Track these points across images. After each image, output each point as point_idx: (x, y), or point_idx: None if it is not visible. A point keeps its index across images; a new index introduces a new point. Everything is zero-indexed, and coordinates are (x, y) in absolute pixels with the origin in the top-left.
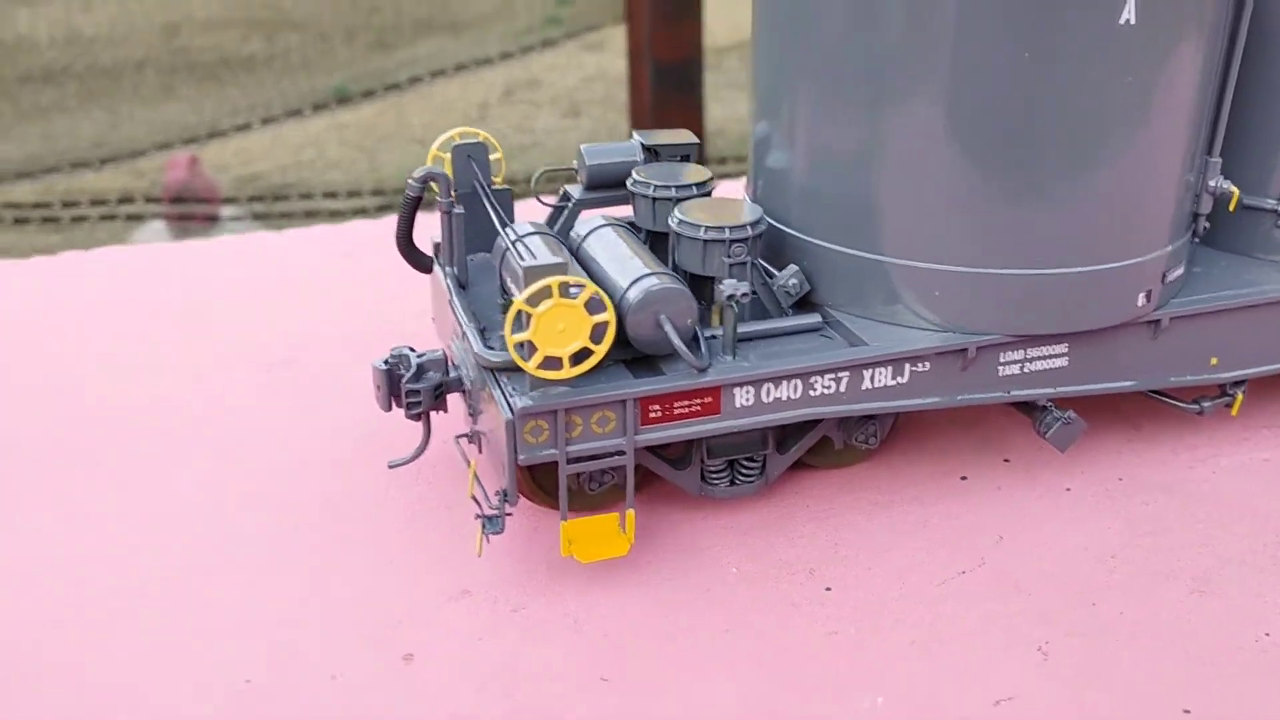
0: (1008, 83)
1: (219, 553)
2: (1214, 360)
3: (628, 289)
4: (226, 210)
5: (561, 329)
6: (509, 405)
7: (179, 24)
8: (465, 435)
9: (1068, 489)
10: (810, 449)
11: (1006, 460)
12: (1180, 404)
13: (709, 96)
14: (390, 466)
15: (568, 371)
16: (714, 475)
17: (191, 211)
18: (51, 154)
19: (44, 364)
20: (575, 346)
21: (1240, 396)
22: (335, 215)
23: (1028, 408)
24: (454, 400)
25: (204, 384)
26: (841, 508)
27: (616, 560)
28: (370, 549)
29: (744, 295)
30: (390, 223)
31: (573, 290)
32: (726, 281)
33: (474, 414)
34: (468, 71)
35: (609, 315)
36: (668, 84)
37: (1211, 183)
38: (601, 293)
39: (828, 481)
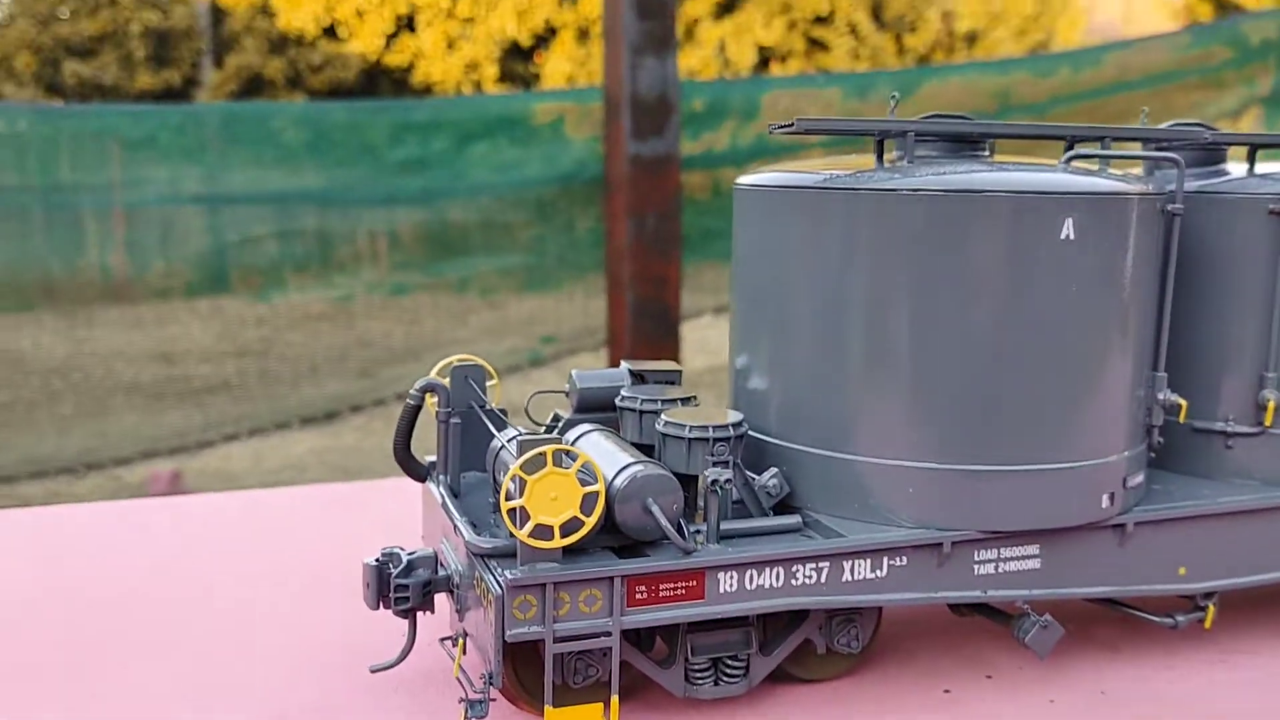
0: (966, 297)
1: None
2: (1182, 570)
3: (615, 476)
4: None
5: (554, 497)
6: (498, 582)
7: (174, 353)
8: (450, 638)
9: (1051, 700)
10: (794, 658)
11: (989, 676)
12: (1154, 618)
13: None
14: (372, 671)
15: (558, 541)
16: (698, 675)
17: None
18: (33, 462)
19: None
20: (566, 515)
21: (1212, 609)
22: None
23: (1006, 618)
24: (441, 606)
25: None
26: (825, 716)
27: None
28: None
29: (727, 481)
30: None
31: (566, 460)
32: (710, 469)
33: (461, 611)
34: None
35: (599, 486)
36: None
37: (1160, 395)
38: (594, 463)
39: (812, 692)
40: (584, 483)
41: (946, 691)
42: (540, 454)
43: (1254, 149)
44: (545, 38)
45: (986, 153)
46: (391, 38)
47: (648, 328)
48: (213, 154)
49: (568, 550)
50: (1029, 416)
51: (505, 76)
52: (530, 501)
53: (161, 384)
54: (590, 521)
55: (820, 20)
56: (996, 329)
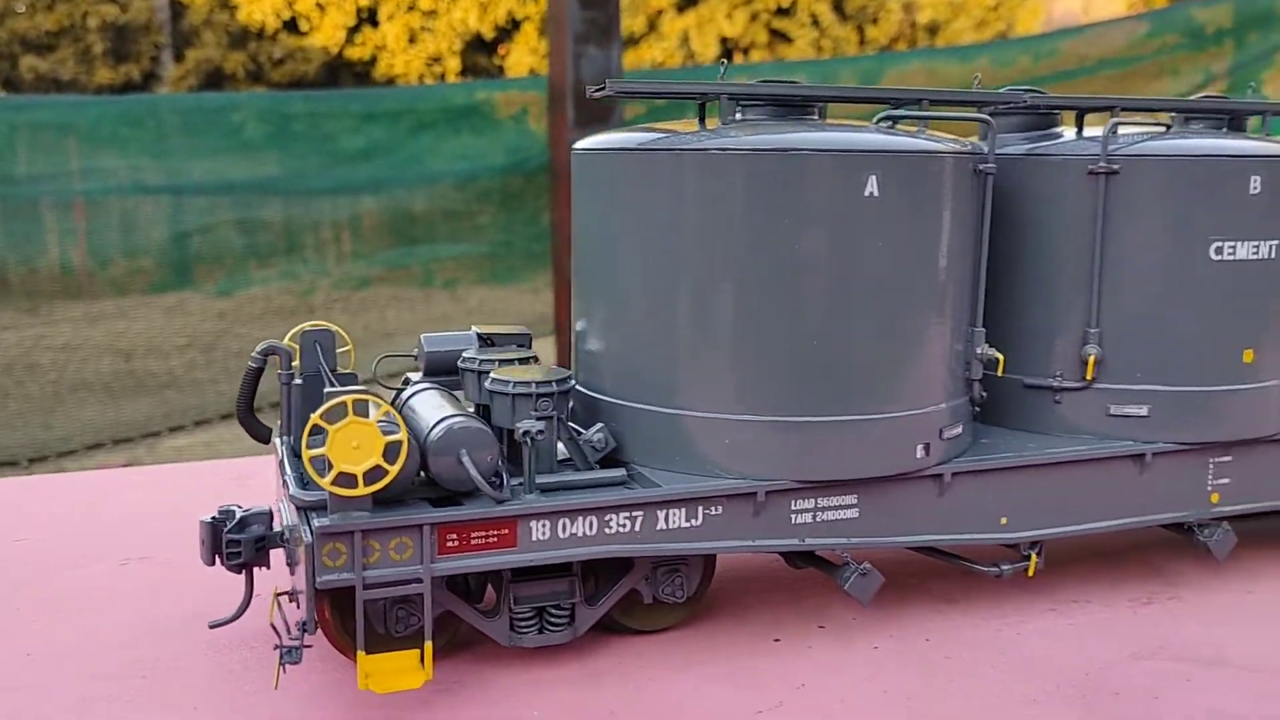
0: (776, 254)
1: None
2: (1004, 520)
3: (433, 427)
4: None
5: (355, 446)
6: (309, 530)
7: (132, 349)
8: (287, 593)
9: (875, 647)
10: (623, 609)
11: (821, 626)
12: (980, 567)
13: None
14: (211, 626)
15: (362, 489)
16: (522, 624)
17: None
18: None
19: None
20: (369, 464)
21: (1035, 558)
22: None
23: (831, 567)
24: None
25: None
26: (651, 663)
27: (423, 706)
28: (180, 705)
29: (539, 433)
30: None
31: (368, 409)
32: (524, 421)
33: (292, 565)
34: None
35: (402, 435)
36: None
37: (978, 349)
38: (396, 414)
39: (642, 641)
40: (386, 431)
41: (776, 640)
42: (340, 403)
43: (1081, 113)
44: (508, 30)
45: (815, 117)
46: (353, 31)
47: None
48: (173, 145)
49: (382, 500)
50: (840, 368)
51: (468, 69)
52: (332, 450)
53: (118, 379)
54: (393, 469)
55: (782, 12)
56: (807, 283)
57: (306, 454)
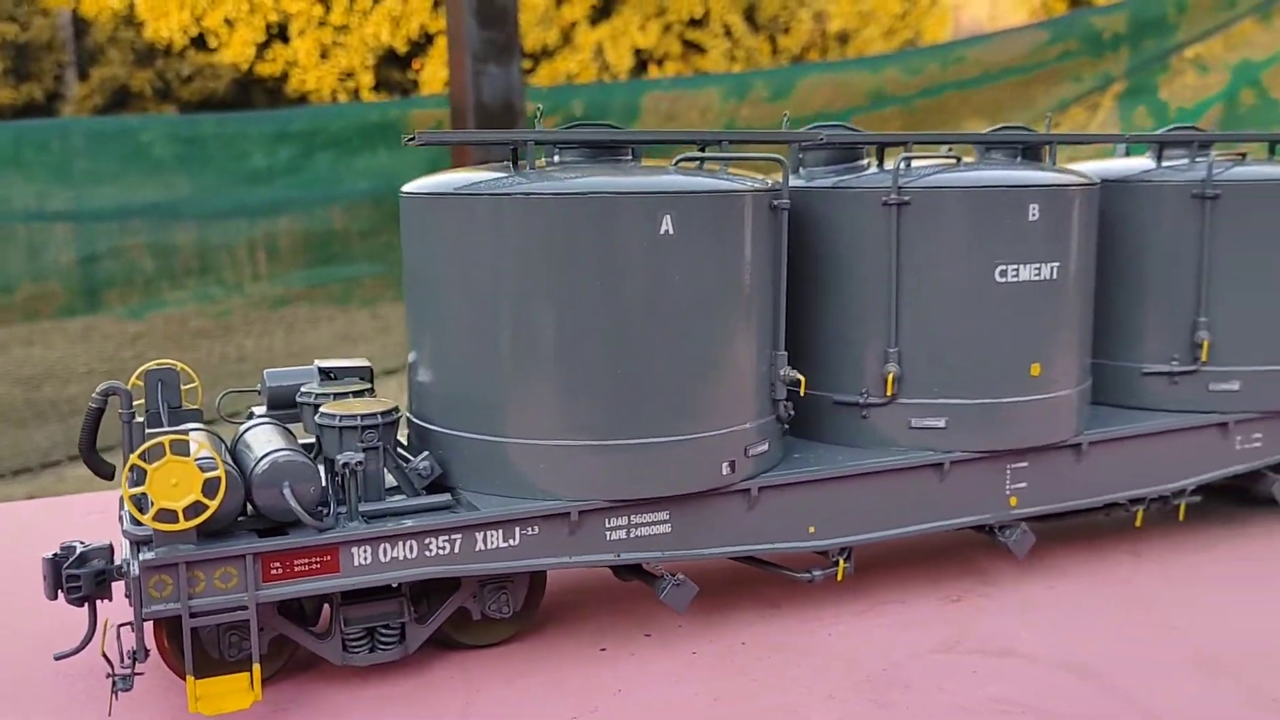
0: (585, 289)
1: None
2: (811, 529)
3: (259, 460)
4: None
5: (174, 483)
6: (136, 563)
7: (38, 376)
8: (128, 623)
9: (694, 652)
10: (456, 625)
11: (648, 634)
12: (793, 573)
13: None
14: (56, 658)
15: (182, 524)
16: (354, 643)
17: None
18: None
19: None
20: (188, 500)
21: (843, 563)
22: None
23: (652, 579)
24: None
25: None
26: (482, 676)
27: None
28: None
29: (358, 463)
30: None
31: (187, 447)
32: (342, 454)
33: (129, 594)
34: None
35: (220, 472)
36: None
37: (781, 371)
38: (215, 454)
39: (474, 656)
40: (205, 469)
41: (603, 650)
42: (158, 444)
43: (881, 147)
44: (421, 44)
45: (629, 158)
46: (263, 47)
47: None
48: (81, 169)
49: (210, 532)
50: (646, 394)
51: (382, 84)
52: (151, 488)
53: (20, 409)
54: (213, 504)
55: (695, 23)
56: (613, 317)
57: (127, 492)
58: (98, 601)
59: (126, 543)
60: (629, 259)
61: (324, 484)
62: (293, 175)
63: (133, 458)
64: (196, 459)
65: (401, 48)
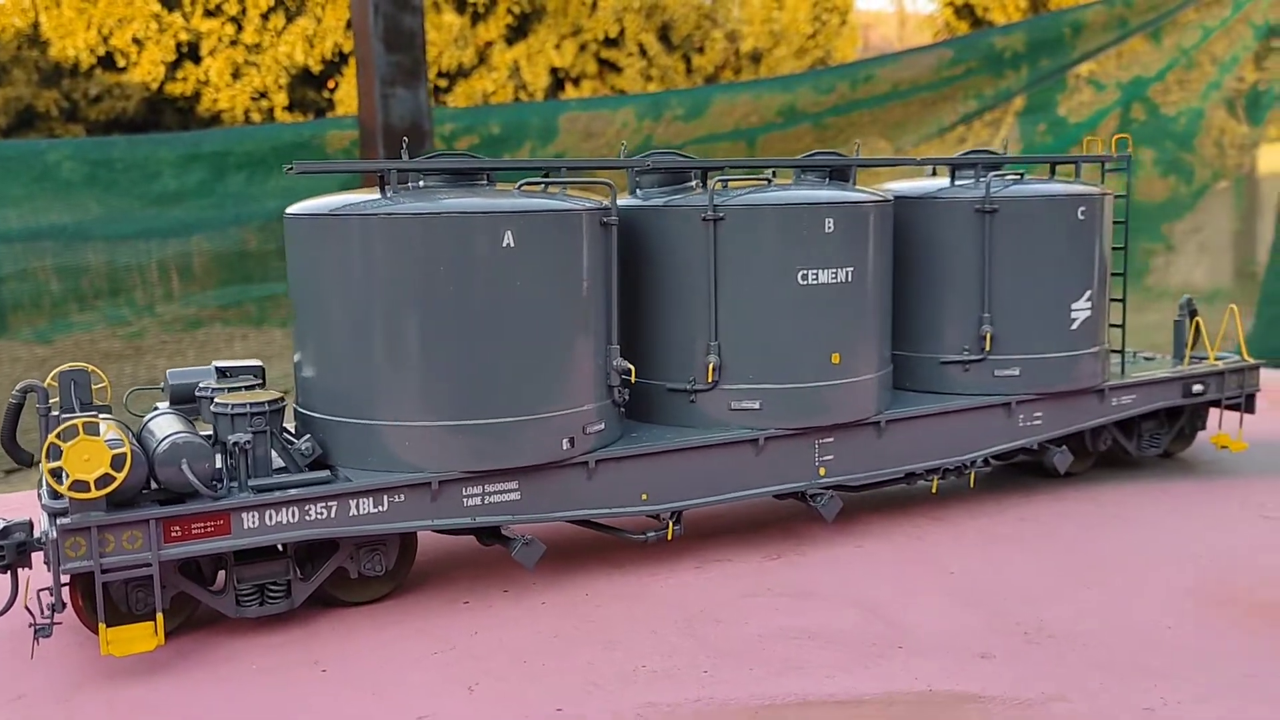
0: (444, 292)
1: None
2: (644, 496)
3: (160, 441)
4: None
5: (87, 459)
6: (55, 527)
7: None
8: (47, 589)
9: (543, 602)
10: (336, 584)
11: (505, 590)
12: (629, 535)
13: None
14: None
15: (94, 493)
16: (245, 598)
17: None
18: None
19: None
20: (99, 473)
21: (672, 526)
22: None
23: (506, 542)
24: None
25: None
26: (357, 626)
27: (162, 665)
28: None
29: (247, 442)
30: None
31: (98, 429)
32: (232, 435)
33: (47, 560)
34: None
35: (126, 449)
36: None
37: (614, 362)
38: (123, 434)
39: (355, 611)
40: (113, 446)
41: (465, 603)
42: (72, 425)
43: (704, 171)
44: (336, 64)
45: (485, 183)
46: (174, 66)
47: None
48: None
49: (118, 503)
50: (496, 380)
51: (296, 104)
52: (67, 463)
53: None
54: (120, 476)
55: (610, 42)
56: (467, 316)
57: (46, 466)
58: (19, 570)
59: (45, 515)
60: (478, 268)
61: (218, 464)
62: (205, 196)
63: (51, 437)
64: (106, 438)
65: (316, 67)
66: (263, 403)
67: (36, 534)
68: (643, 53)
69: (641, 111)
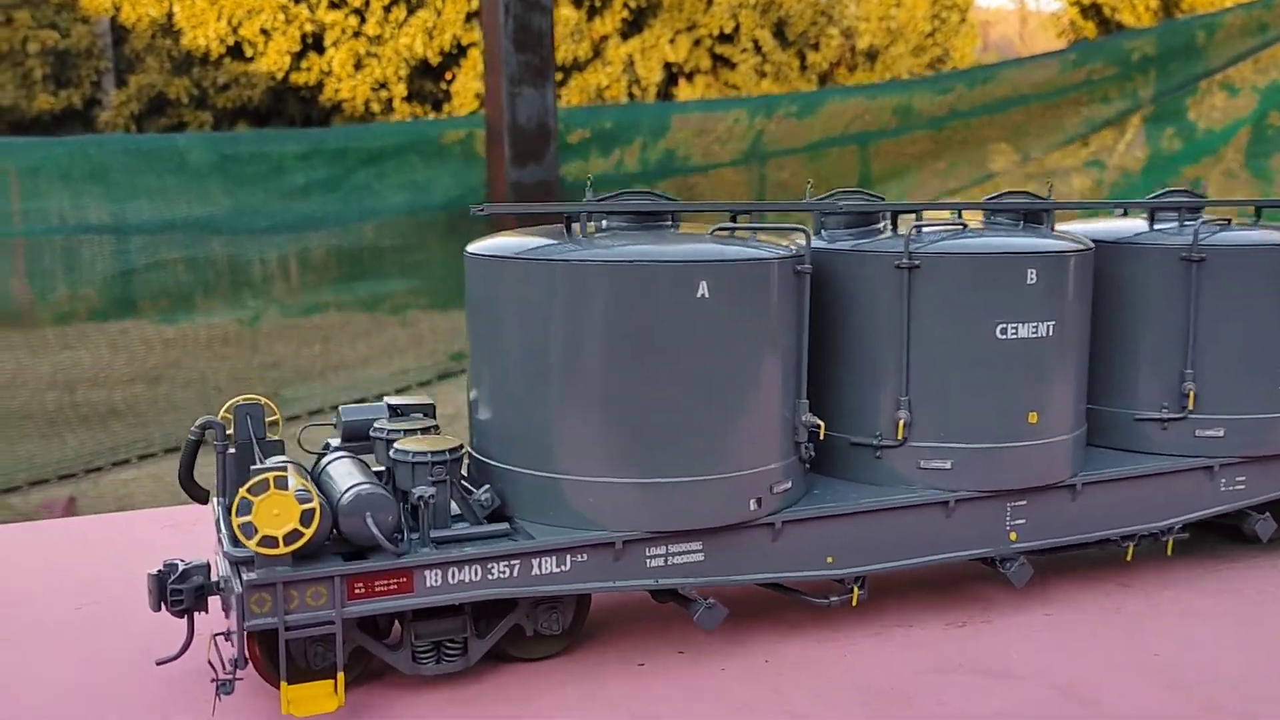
0: (633, 345)
1: None
2: (830, 559)
3: (344, 492)
4: None
5: (276, 514)
6: (240, 581)
7: (76, 381)
8: (222, 634)
9: (723, 668)
10: (510, 640)
11: (681, 651)
12: (812, 598)
13: None
14: (158, 664)
15: (282, 549)
16: (422, 655)
17: None
18: None
19: None
20: (288, 528)
21: (857, 590)
22: None
23: (686, 602)
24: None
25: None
26: (530, 681)
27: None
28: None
29: (430, 497)
30: None
31: (287, 482)
32: (417, 488)
33: (226, 609)
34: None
35: (315, 504)
36: None
37: (803, 417)
38: (311, 488)
39: (526, 668)
40: (302, 500)
41: (640, 665)
42: (263, 479)
43: (895, 214)
44: (454, 55)
45: (670, 223)
46: (299, 57)
47: None
48: (119, 183)
49: (299, 555)
50: (684, 437)
51: (414, 95)
52: (256, 518)
53: (60, 411)
54: (309, 532)
55: (725, 38)
56: (655, 369)
57: (235, 521)
58: (195, 613)
59: (225, 561)
60: (669, 319)
61: (400, 514)
62: (328, 191)
63: (241, 491)
64: (295, 492)
65: (434, 59)
66: (444, 451)
67: (214, 577)
68: (757, 49)
69: (753, 111)
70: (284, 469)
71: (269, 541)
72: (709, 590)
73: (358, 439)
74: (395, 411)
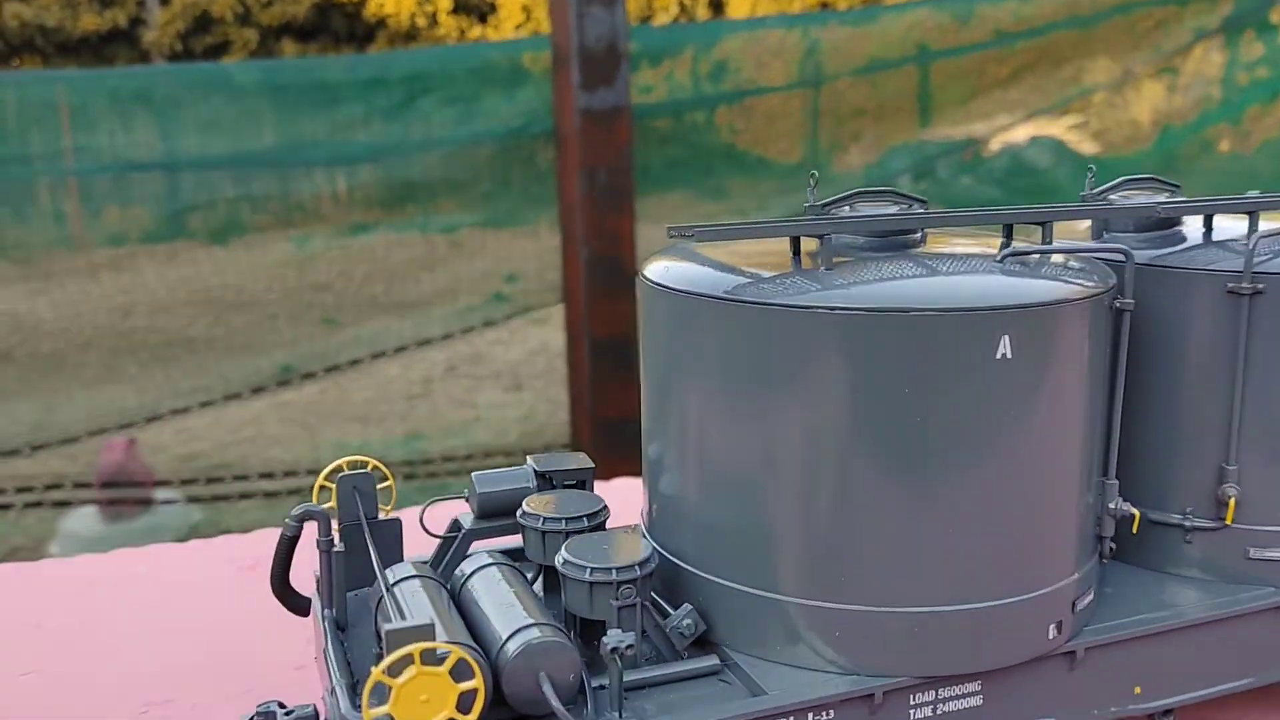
0: (893, 418)
1: None
2: (1138, 689)
3: (505, 641)
4: (160, 494)
5: (424, 700)
6: None
7: (131, 306)
8: None
9: None
10: None
11: None
12: None
13: None
14: None
15: None
16: None
17: (124, 496)
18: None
19: None
20: (440, 719)
21: None
22: (270, 496)
23: None
24: None
25: None
26: None
27: None
28: None
29: (628, 648)
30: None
31: (438, 655)
32: (610, 633)
33: None
34: (411, 350)
35: (478, 681)
36: (606, 359)
37: (1111, 504)
38: (469, 657)
39: None
40: (460, 678)
41: None
42: (406, 655)
43: (1208, 215)
44: None
45: (917, 236)
46: None
47: (602, 283)
48: (166, 114)
49: None
50: (965, 550)
51: (459, 8)
52: (397, 709)
53: (119, 338)
54: None
55: None
56: (926, 455)
57: (368, 715)
58: None
59: (334, 706)
60: (952, 386)
61: (582, 667)
62: (384, 122)
63: (376, 673)
64: (451, 669)
65: None
66: (633, 566)
67: None
68: None
69: (805, 30)
70: (429, 626)
71: None
72: None
73: (497, 515)
74: (544, 479)
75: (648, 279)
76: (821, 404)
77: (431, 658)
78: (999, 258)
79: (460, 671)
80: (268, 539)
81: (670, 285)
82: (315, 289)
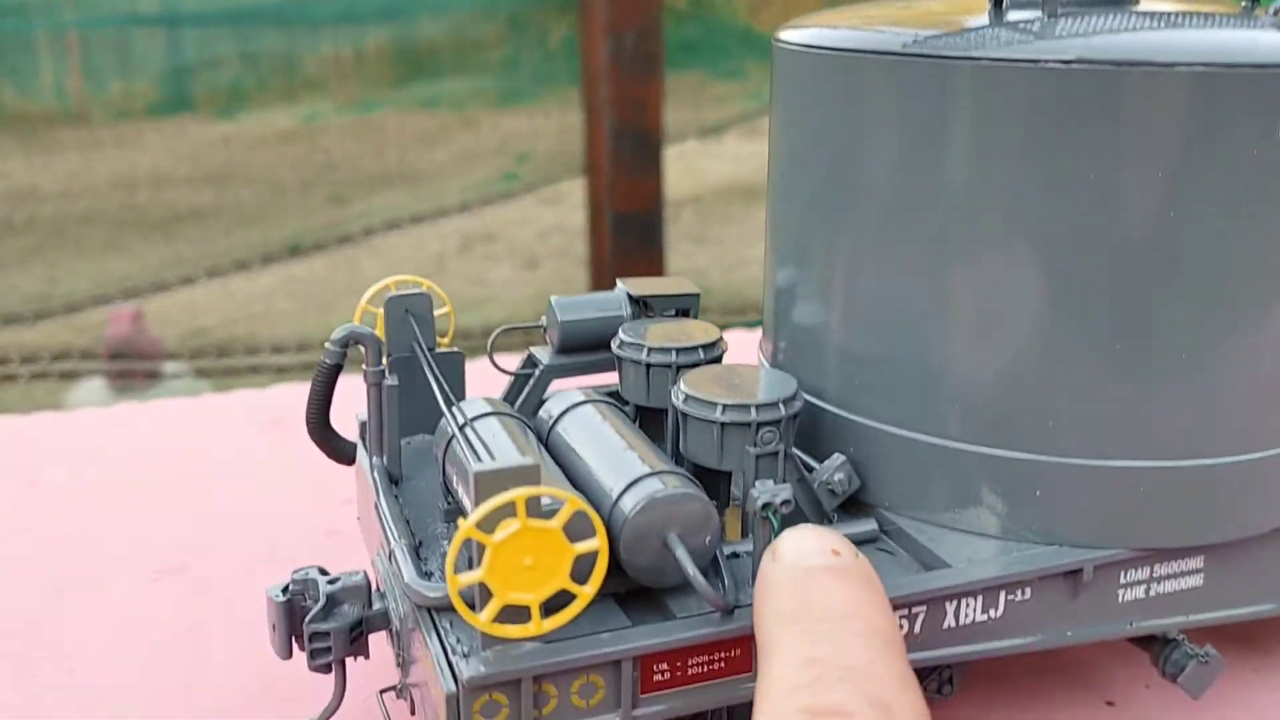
0: (1131, 212)
1: None
2: None
3: (621, 495)
4: (169, 367)
5: (530, 564)
6: (451, 670)
7: (135, 178)
8: (394, 689)
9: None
10: None
11: (1110, 703)
12: None
13: (668, 248)
14: None
15: (538, 626)
16: None
17: (132, 368)
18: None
19: None
20: (550, 589)
21: None
22: (282, 370)
23: (1147, 640)
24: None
25: (71, 602)
26: None
27: None
28: None
29: (784, 503)
30: None
31: (547, 506)
32: (761, 485)
33: (404, 664)
34: (423, 224)
35: (600, 541)
36: (628, 235)
37: None
38: (588, 508)
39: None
40: (575, 536)
41: (1109, 705)
42: (508, 503)
43: None
44: None
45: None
46: None
47: (627, 154)
48: None
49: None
50: (1214, 388)
51: None
52: (493, 576)
53: (122, 219)
54: (587, 593)
55: None
56: (1177, 262)
57: (454, 581)
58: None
59: (392, 581)
60: (1222, 176)
61: (716, 522)
62: None
63: (465, 528)
64: (565, 524)
65: None
66: (777, 403)
67: (377, 604)
68: None
69: None
70: (535, 467)
71: (515, 615)
72: (1202, 632)
73: (581, 349)
74: (641, 305)
75: (785, 43)
76: (1040, 188)
77: (538, 509)
78: (1273, 9)
79: (577, 528)
80: (288, 394)
81: (813, 45)
82: (323, 167)
